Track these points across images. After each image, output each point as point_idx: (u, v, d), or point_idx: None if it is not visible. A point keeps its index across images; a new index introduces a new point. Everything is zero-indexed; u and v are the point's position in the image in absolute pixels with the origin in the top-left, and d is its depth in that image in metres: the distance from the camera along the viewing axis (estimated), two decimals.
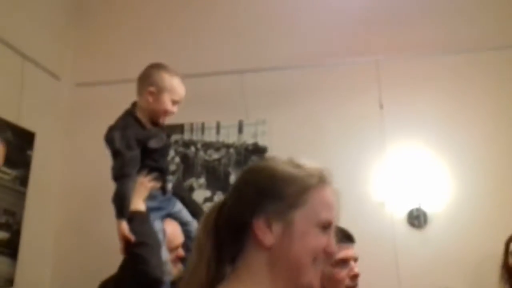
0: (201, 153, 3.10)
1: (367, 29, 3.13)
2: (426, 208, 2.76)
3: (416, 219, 2.73)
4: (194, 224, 2.01)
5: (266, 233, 0.87)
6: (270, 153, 3.03)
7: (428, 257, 2.68)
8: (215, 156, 3.11)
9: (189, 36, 3.36)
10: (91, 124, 3.32)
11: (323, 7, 3.26)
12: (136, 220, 1.72)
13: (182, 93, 1.99)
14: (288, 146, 3.05)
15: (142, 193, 1.79)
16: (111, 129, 1.91)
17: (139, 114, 1.97)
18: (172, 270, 1.82)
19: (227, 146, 3.11)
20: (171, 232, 1.89)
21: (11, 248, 2.69)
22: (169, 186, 1.99)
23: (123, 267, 1.77)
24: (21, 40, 2.86)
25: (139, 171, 1.85)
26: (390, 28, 3.11)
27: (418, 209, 2.75)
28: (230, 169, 3.05)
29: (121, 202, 1.75)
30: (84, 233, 3.05)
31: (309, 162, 0.99)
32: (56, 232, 3.11)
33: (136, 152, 1.83)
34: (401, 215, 2.79)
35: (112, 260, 1.86)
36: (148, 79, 1.98)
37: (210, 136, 3.13)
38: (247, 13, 3.34)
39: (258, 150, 3.06)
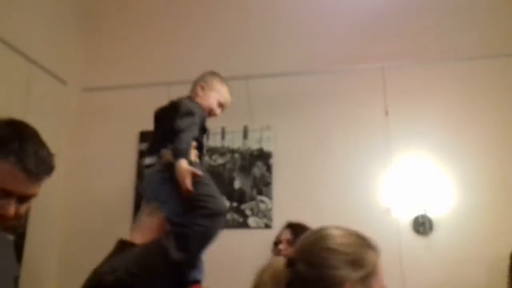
0: (206, 158, 3.11)
1: (373, 36, 3.14)
2: (431, 215, 2.75)
3: (422, 225, 2.72)
4: None
5: None
6: (275, 159, 3.04)
7: (433, 263, 2.67)
8: (220, 161, 3.11)
9: (196, 42, 3.38)
10: (97, 129, 3.35)
11: (329, 14, 3.27)
12: (193, 165, 1.80)
13: (228, 98, 2.17)
14: (293, 152, 3.06)
15: (193, 154, 1.89)
16: (185, 102, 2.04)
17: None
18: None
19: (232, 151, 3.12)
20: None
21: (16, 250, 2.69)
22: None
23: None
24: (27, 44, 2.88)
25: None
26: (396, 35, 3.11)
27: (423, 216, 2.74)
28: (235, 174, 3.05)
29: (185, 148, 1.84)
30: (89, 235, 3.06)
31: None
32: (61, 236, 3.12)
33: (197, 122, 1.99)
34: (406, 221, 2.78)
35: None
36: (202, 78, 2.20)
37: (215, 141, 3.13)
38: (253, 20, 3.35)
39: (263, 156, 3.06)
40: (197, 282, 1.67)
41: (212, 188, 1.76)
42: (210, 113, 2.13)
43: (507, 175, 2.77)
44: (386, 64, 3.03)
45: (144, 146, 3.17)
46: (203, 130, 2.08)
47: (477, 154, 2.83)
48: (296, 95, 3.15)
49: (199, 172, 1.73)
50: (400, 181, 2.84)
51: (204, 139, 2.18)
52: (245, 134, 3.12)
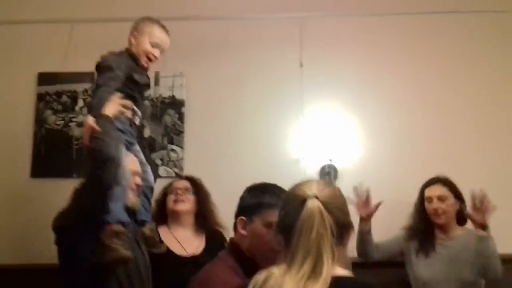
0: None
1: None
2: (337, 164, 2.87)
3: (327, 175, 2.83)
4: (150, 171, 2.20)
5: None
6: (187, 107, 2.96)
7: None
8: None
9: None
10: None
11: None
12: (101, 119, 1.87)
13: (162, 37, 2.22)
14: (206, 101, 2.99)
15: (113, 107, 1.92)
16: (107, 54, 2.12)
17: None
18: (130, 196, 1.95)
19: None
20: (130, 158, 2.03)
21: None
22: (137, 120, 2.16)
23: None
24: None
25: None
26: None
27: (329, 165, 2.85)
28: (145, 122, 2.94)
29: (96, 103, 1.93)
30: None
31: None
32: None
33: (121, 74, 2.05)
34: (313, 171, 2.87)
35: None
36: (133, 27, 2.23)
37: None
38: None
39: (175, 103, 2.97)
40: (109, 223, 1.82)
41: (105, 143, 1.82)
42: (149, 57, 2.19)
43: (410, 128, 2.94)
44: (304, 15, 3.01)
45: (44, 89, 2.95)
46: (143, 85, 2.19)
47: (385, 108, 2.96)
48: (210, 42, 3.05)
49: (97, 127, 1.82)
50: (310, 132, 2.91)
51: (143, 97, 2.26)
52: (156, 81, 2.99)
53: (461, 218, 2.50)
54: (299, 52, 2.99)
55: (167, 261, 2.18)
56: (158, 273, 2.08)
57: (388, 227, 2.66)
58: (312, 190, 1.12)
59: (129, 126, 2.10)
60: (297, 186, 1.17)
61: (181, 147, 2.92)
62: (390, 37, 3.05)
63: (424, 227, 2.50)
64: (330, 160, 2.86)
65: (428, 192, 2.51)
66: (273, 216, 1.37)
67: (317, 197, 1.10)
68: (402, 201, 2.64)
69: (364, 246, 2.51)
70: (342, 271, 1.10)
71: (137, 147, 2.18)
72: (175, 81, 3.00)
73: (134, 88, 2.12)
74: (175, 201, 2.40)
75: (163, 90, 2.99)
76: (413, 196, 2.59)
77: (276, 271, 1.08)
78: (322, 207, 1.09)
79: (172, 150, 2.92)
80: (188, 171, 2.79)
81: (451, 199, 2.46)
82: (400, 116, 2.95)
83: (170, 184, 2.49)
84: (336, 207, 1.12)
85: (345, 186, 2.80)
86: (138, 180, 2.02)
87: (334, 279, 1.04)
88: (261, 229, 1.48)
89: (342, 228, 1.12)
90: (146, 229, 2.12)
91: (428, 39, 3.05)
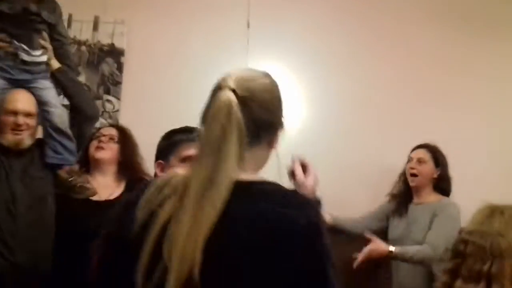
0: None
1: None
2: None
3: None
4: (57, 111, 2.09)
5: None
6: (127, 57, 2.82)
7: (281, 176, 2.81)
8: None
9: None
10: None
11: None
12: None
13: None
14: (148, 52, 2.87)
15: None
16: None
17: None
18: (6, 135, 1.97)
19: (79, 43, 2.81)
20: (10, 95, 1.98)
21: None
22: (24, 56, 2.02)
23: None
24: None
25: None
26: None
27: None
28: (80, 69, 2.77)
29: None
30: None
31: None
32: None
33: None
34: None
35: None
36: None
37: None
38: None
39: (114, 52, 2.83)
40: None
41: None
42: None
43: (359, 95, 2.96)
44: None
45: None
46: (18, 15, 2.00)
47: (333, 73, 2.96)
48: None
49: None
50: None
51: (29, 27, 2.05)
52: (96, 26, 2.83)
53: (440, 186, 2.54)
54: (246, 11, 2.92)
55: (80, 206, 2.11)
56: (71, 218, 2.04)
57: (334, 196, 2.72)
58: (232, 80, 0.98)
59: (13, 62, 2.01)
60: (225, 74, 1.04)
61: (118, 98, 2.80)
62: (340, 1, 3.03)
63: (403, 189, 2.58)
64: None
65: (411, 154, 2.57)
66: (188, 149, 1.37)
67: (233, 89, 0.97)
68: (348, 169, 2.71)
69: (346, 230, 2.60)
70: (251, 176, 0.97)
71: (38, 85, 2.08)
72: (115, 29, 2.85)
73: (6, 21, 1.98)
74: (97, 148, 2.29)
75: (102, 37, 2.84)
76: (358, 164, 2.66)
77: (182, 172, 0.97)
78: (233, 101, 0.95)
79: (108, 100, 2.80)
80: (123, 123, 2.68)
81: (430, 164, 2.52)
82: (349, 82, 2.97)
83: (97, 130, 2.39)
84: (257, 102, 0.98)
85: (286, 153, 2.83)
86: (21, 120, 1.98)
87: (237, 185, 0.91)
88: (178, 165, 1.47)
89: (261, 127, 0.99)
90: (62, 172, 2.07)
91: (378, 1, 3.06)
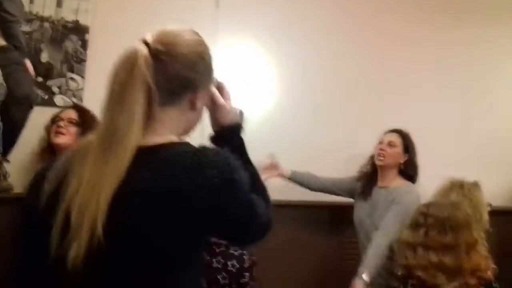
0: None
1: None
2: (248, 112, 2.83)
3: None
4: None
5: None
6: (91, 34, 2.74)
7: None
8: (26, 28, 2.69)
9: None
10: None
11: None
12: None
13: None
14: (114, 31, 2.78)
15: None
16: None
17: None
18: None
19: (42, 19, 2.71)
20: None
21: None
22: None
23: None
24: None
25: None
26: None
27: (239, 113, 2.81)
28: (43, 46, 2.68)
29: None
30: None
31: None
32: None
33: None
34: None
35: None
36: None
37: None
38: None
39: (79, 29, 2.74)
40: None
41: None
42: None
43: (328, 75, 2.96)
44: None
45: None
46: None
47: (305, 56, 2.94)
48: None
49: None
50: (222, 76, 2.84)
51: None
52: (59, 2, 2.73)
53: (406, 172, 2.58)
54: None
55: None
56: None
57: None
58: (151, 34, 0.92)
59: None
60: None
61: (82, 77, 2.72)
62: None
63: (370, 172, 2.62)
64: (238, 104, 2.82)
65: (383, 137, 2.61)
66: None
67: (146, 42, 0.90)
68: (314, 153, 2.72)
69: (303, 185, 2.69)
70: (160, 138, 0.90)
71: None
72: (80, 5, 2.75)
73: None
74: (56, 133, 2.20)
75: (66, 13, 2.74)
76: (324, 148, 2.67)
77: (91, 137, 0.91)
78: (141, 53, 0.87)
79: (72, 78, 2.71)
80: (87, 102, 2.62)
81: (399, 149, 2.56)
82: (321, 64, 2.96)
83: (59, 113, 2.31)
84: (173, 57, 0.90)
85: (254, 136, 2.81)
86: None
87: (142, 150, 0.85)
88: None
89: (178, 84, 0.92)
90: None
91: None
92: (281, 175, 2.67)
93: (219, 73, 2.96)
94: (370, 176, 2.64)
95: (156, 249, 0.82)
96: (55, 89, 2.67)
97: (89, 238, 0.80)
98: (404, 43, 3.06)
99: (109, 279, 0.83)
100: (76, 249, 0.80)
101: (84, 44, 2.74)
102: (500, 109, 3.15)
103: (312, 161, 2.82)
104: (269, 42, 2.93)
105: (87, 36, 2.74)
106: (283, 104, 2.93)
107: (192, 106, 0.97)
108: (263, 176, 2.41)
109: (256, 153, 2.71)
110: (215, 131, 1.12)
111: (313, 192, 2.74)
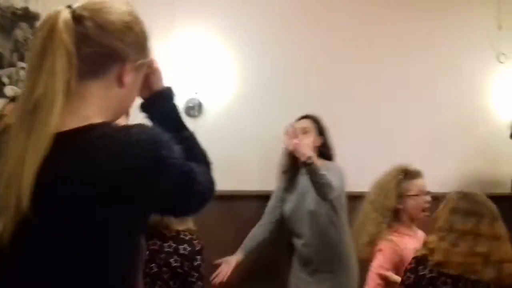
0: None
1: None
2: (203, 99, 2.83)
3: (191, 109, 2.79)
4: None
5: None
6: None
7: (204, 145, 2.79)
8: None
9: None
10: None
11: None
12: None
13: None
14: None
15: None
16: None
17: None
18: None
19: None
20: None
21: None
22: None
23: None
24: None
25: None
26: None
27: (194, 99, 2.80)
28: None
29: None
30: None
31: None
32: None
33: None
34: (180, 105, 2.80)
35: None
36: None
37: None
38: None
39: (29, 17, 2.66)
40: None
41: None
42: None
43: (289, 63, 2.96)
44: None
45: None
46: None
47: (262, 41, 2.93)
48: None
49: None
50: (177, 61, 2.80)
51: None
52: None
53: (323, 153, 2.60)
54: None
55: None
56: None
57: (264, 167, 2.78)
58: (80, 1, 0.85)
59: None
60: None
61: None
62: None
63: (290, 163, 2.60)
64: (196, 93, 2.81)
65: (294, 125, 2.56)
66: None
67: (70, 6, 0.83)
68: (273, 143, 2.73)
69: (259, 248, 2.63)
70: (80, 120, 0.84)
71: None
72: None
73: None
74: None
75: (15, 0, 2.66)
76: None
77: None
78: (62, 17, 0.79)
79: (23, 68, 2.64)
80: None
81: (314, 134, 2.56)
82: (278, 50, 2.95)
83: (2, 109, 2.25)
84: (99, 24, 0.84)
85: (211, 123, 2.82)
86: None
87: (63, 133, 0.81)
88: None
89: (100, 53, 0.85)
90: None
91: None
92: (237, 263, 2.55)
93: (176, 60, 2.92)
94: (291, 168, 2.62)
95: (84, 232, 0.80)
96: (5, 80, 2.60)
97: (15, 215, 0.78)
98: (356, 30, 3.09)
99: (35, 257, 0.81)
100: (3, 225, 0.78)
101: (34, 32, 2.67)
102: (446, 97, 3.20)
103: (271, 150, 2.82)
104: (227, 30, 2.90)
105: (37, 24, 2.66)
106: (241, 92, 2.92)
107: (120, 82, 0.90)
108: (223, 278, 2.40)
109: (215, 143, 2.73)
110: (145, 98, 1.06)
111: None
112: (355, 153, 2.87)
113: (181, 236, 2.01)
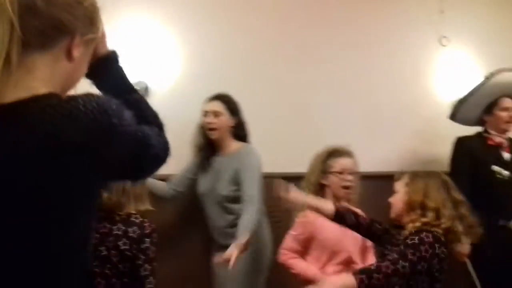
0: None
1: None
2: (150, 83, 2.85)
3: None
4: None
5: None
6: None
7: None
8: None
9: None
10: None
11: None
12: None
13: None
14: None
15: None
16: None
17: None
18: None
19: None
20: None
21: None
22: None
23: None
24: None
25: None
26: None
27: (140, 83, 2.78)
28: None
29: None
30: None
31: None
32: None
33: None
34: None
35: None
36: None
37: None
38: None
39: None
40: None
41: None
42: None
43: (235, 48, 2.98)
44: None
45: None
46: None
47: (211, 24, 2.93)
48: None
49: None
50: (122, 44, 2.79)
51: None
52: None
53: (238, 134, 2.59)
54: None
55: None
56: None
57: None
58: None
59: None
60: None
61: None
62: None
63: (204, 142, 2.60)
64: (142, 78, 2.80)
65: (205, 108, 2.57)
66: None
67: None
68: None
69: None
70: (24, 92, 0.81)
71: None
72: None
73: None
74: None
75: None
76: None
77: None
78: None
79: None
80: None
81: (226, 115, 2.54)
82: (225, 34, 2.96)
83: None
84: None
85: (158, 109, 2.80)
86: None
87: (5, 106, 0.79)
88: None
89: (48, 25, 0.83)
90: None
91: None
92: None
93: (121, 44, 2.92)
94: (206, 147, 2.60)
95: (35, 207, 0.79)
96: None
97: None
98: (294, 13, 3.13)
99: None
100: None
101: None
102: (388, 79, 3.31)
103: None
104: (171, 13, 2.89)
105: None
106: (187, 75, 2.93)
107: (69, 55, 0.88)
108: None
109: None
110: (91, 63, 1.00)
111: None
112: (296, 135, 2.96)
113: (132, 219, 2.01)
